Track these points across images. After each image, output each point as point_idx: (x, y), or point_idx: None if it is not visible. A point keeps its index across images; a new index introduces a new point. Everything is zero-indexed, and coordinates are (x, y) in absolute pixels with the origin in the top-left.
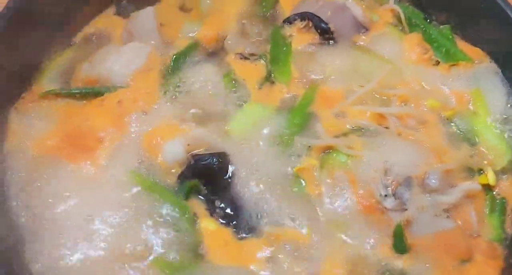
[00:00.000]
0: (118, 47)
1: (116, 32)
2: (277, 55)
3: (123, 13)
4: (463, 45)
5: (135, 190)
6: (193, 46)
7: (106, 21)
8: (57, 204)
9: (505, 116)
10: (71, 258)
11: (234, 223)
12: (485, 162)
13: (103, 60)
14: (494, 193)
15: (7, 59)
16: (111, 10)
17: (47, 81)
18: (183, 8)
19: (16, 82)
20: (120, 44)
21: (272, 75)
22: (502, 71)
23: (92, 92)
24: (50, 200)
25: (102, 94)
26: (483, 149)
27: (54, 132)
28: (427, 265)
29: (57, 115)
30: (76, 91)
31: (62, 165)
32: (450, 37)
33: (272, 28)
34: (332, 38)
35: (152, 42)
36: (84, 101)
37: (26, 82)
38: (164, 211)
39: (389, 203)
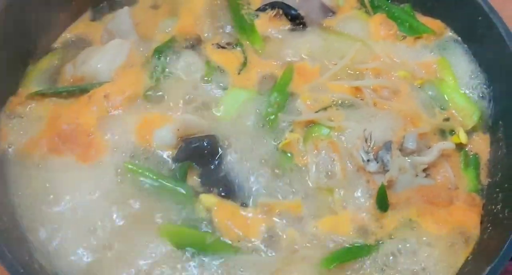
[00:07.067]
0: (100, 46)
1: (95, 35)
2: (242, 25)
3: (99, 18)
4: (424, 20)
5: (131, 178)
6: (172, 40)
7: (84, 26)
8: (57, 201)
9: (470, 79)
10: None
11: (231, 198)
12: (456, 123)
13: (87, 60)
14: (467, 149)
15: None
16: (87, 16)
17: (33, 84)
18: (154, 7)
19: (2, 87)
20: (101, 45)
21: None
22: (461, 39)
23: (79, 90)
24: (51, 196)
25: (88, 91)
26: (453, 112)
27: (45, 132)
28: (413, 215)
29: (46, 115)
30: (62, 89)
31: (57, 163)
32: (412, 13)
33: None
34: (303, 23)
35: (131, 39)
36: (72, 99)
37: (12, 86)
38: (165, 194)
39: (372, 166)
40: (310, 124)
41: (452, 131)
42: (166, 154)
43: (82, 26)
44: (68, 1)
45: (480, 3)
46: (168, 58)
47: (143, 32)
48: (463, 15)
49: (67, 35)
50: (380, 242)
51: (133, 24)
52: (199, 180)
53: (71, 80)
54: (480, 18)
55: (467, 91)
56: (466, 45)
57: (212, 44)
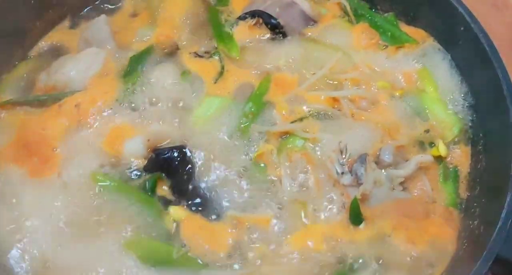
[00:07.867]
0: (75, 55)
1: (72, 44)
2: (220, 33)
3: (77, 26)
4: (407, 29)
5: (99, 191)
6: (150, 49)
7: (62, 34)
8: (17, 214)
9: (452, 90)
10: None
11: (201, 210)
12: (436, 135)
13: (60, 68)
14: (447, 162)
15: None
16: (66, 24)
17: (7, 93)
18: (134, 15)
19: None
20: (77, 53)
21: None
22: (444, 49)
23: (50, 99)
24: (16, 213)
25: (60, 100)
26: (434, 123)
27: (13, 143)
28: (387, 229)
29: (15, 125)
30: (33, 99)
31: (18, 175)
32: (395, 23)
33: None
34: (283, 32)
35: (108, 47)
36: (43, 109)
37: None
38: (132, 207)
39: (346, 179)
40: (285, 135)
41: (432, 143)
42: (136, 165)
43: (59, 34)
44: (45, 9)
45: (463, 13)
46: (144, 66)
47: (121, 40)
48: (446, 25)
49: (44, 43)
50: (351, 257)
51: (111, 33)
52: (169, 191)
53: (44, 88)
54: (462, 28)
55: (448, 102)
56: (449, 55)
57: (190, 52)
